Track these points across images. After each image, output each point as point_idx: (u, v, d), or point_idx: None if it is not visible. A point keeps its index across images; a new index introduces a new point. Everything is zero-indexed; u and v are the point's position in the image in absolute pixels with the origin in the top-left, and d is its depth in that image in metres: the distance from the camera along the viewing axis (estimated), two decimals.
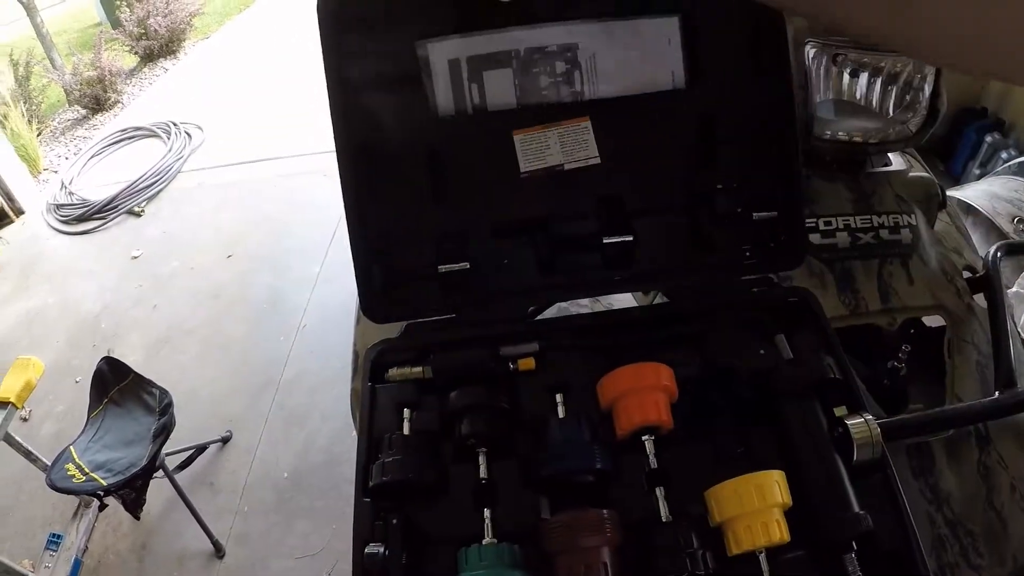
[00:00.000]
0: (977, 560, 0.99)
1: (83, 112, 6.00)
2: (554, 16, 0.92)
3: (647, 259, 0.97)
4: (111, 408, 2.20)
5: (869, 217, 1.18)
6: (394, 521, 0.74)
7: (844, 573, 0.70)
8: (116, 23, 7.11)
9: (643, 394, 0.79)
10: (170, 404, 2.12)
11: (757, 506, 0.70)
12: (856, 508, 0.73)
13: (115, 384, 2.23)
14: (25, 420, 2.87)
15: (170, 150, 4.72)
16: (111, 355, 2.32)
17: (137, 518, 2.07)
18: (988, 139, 2.98)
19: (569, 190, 0.96)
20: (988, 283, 1.19)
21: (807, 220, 1.16)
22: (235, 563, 2.29)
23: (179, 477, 2.25)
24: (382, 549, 0.71)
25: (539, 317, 1.08)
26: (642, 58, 0.93)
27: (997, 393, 1.03)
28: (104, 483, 1.91)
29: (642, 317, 0.97)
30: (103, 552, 2.37)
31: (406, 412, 0.85)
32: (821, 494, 0.74)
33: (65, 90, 6.03)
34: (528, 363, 0.89)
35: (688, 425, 0.82)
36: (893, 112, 1.18)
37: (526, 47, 0.92)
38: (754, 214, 0.95)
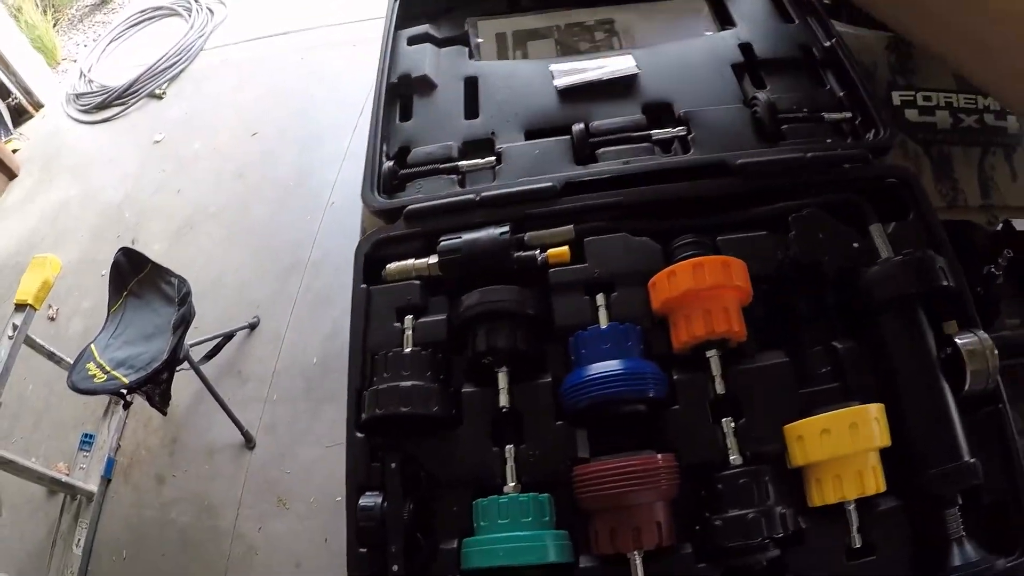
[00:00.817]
0: None
1: None
2: (591, 3, 1.03)
3: (705, 149, 0.84)
4: (131, 301, 2.13)
5: (974, 97, 1.03)
6: (393, 465, 0.61)
7: (942, 529, 0.58)
8: None
9: (709, 297, 0.63)
10: (188, 293, 2.02)
11: (851, 450, 0.56)
12: (967, 455, 0.59)
13: (133, 276, 2.14)
14: (52, 319, 2.84)
15: (191, 28, 4.47)
16: (133, 245, 2.23)
17: (164, 414, 2.03)
18: None
19: (609, 98, 0.92)
20: None
21: (904, 92, 1.03)
22: (265, 453, 2.28)
23: (207, 368, 2.20)
24: (379, 500, 0.59)
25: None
26: (675, 27, 1.02)
27: None
28: (126, 380, 1.84)
29: (708, 195, 0.78)
30: (135, 449, 2.38)
31: (407, 320, 0.69)
32: (926, 434, 0.61)
33: None
34: (561, 253, 0.72)
35: (761, 337, 0.66)
36: None
37: (566, 23, 1.03)
38: (825, 115, 0.87)
